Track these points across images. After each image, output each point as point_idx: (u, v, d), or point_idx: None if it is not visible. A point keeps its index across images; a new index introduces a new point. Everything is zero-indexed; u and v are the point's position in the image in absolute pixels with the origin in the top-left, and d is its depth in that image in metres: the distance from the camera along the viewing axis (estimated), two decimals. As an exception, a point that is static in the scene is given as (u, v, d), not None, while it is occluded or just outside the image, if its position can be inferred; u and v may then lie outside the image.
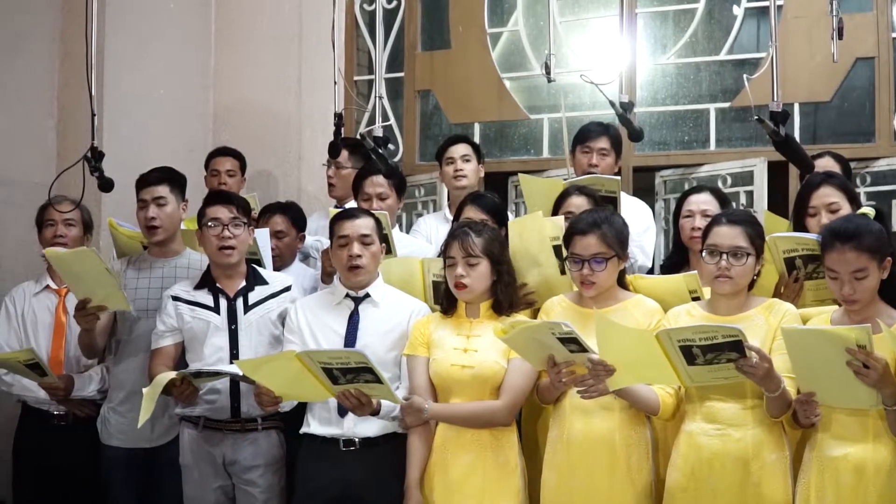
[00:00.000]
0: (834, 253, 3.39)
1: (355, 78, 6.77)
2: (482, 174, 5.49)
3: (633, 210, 4.87)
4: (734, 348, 3.27)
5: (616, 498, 3.68)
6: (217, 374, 4.01)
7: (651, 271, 4.85)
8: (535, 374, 3.81)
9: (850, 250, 3.36)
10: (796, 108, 5.91)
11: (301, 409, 4.12)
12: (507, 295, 3.90)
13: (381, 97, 4.90)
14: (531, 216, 4.28)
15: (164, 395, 4.09)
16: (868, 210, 4.13)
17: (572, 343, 3.50)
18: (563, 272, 4.07)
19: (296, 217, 5.13)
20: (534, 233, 4.09)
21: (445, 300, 3.99)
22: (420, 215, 6.04)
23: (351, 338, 4.00)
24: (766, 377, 3.33)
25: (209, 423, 4.22)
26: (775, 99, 3.95)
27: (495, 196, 4.69)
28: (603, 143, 5.04)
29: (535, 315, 4.01)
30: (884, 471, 3.34)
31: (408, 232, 5.62)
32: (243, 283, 4.31)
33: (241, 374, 3.86)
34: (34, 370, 4.46)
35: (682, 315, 3.72)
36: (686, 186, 5.58)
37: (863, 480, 3.34)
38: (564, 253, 3.90)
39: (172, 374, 3.96)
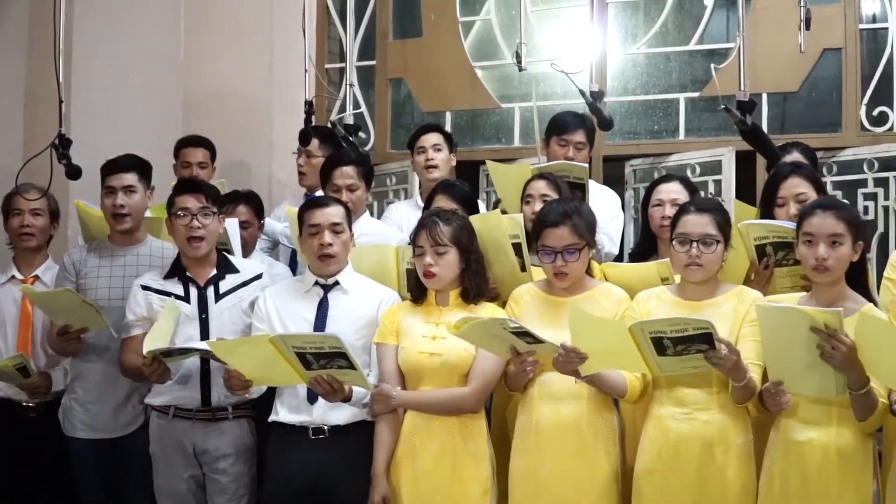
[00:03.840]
0: (814, 218, 3.47)
1: (327, 66, 6.76)
2: (454, 163, 5.49)
3: (600, 198, 4.89)
4: (704, 340, 3.33)
5: (583, 483, 3.72)
6: (187, 352, 3.98)
7: (619, 259, 4.87)
8: (504, 361, 3.82)
9: (830, 216, 3.44)
10: (764, 98, 5.96)
11: (271, 398, 4.11)
12: (475, 283, 3.92)
13: (351, 85, 4.90)
14: (492, 213, 4.29)
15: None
16: (837, 200, 4.18)
17: (526, 336, 3.55)
18: (523, 269, 4.10)
19: (257, 207, 5.11)
20: (494, 230, 4.11)
21: (415, 288, 4.00)
22: (391, 203, 6.03)
23: (320, 325, 3.99)
24: (734, 368, 3.40)
25: (179, 412, 4.19)
26: (742, 89, 3.98)
27: (466, 185, 4.71)
28: (580, 136, 5.05)
29: (503, 304, 4.03)
30: (848, 455, 3.41)
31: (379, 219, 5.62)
32: (214, 272, 4.28)
33: (210, 350, 3.83)
34: (21, 373, 4.44)
35: (651, 299, 3.77)
36: (655, 175, 5.61)
37: (827, 465, 3.41)
38: (524, 249, 3.95)
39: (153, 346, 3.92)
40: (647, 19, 6.31)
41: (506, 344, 3.62)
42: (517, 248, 4.09)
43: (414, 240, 3.95)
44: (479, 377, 3.83)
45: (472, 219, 4.08)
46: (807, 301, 3.53)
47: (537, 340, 3.54)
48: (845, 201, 4.04)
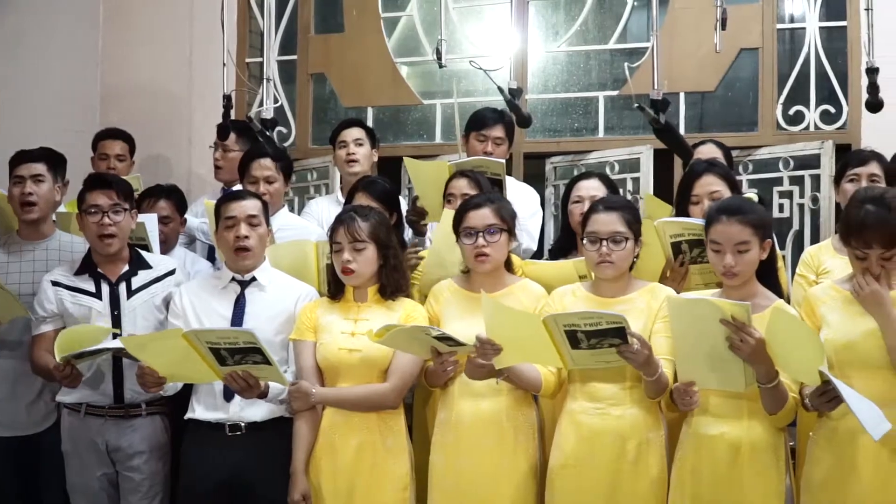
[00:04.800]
0: (719, 225, 3.49)
1: (247, 60, 6.70)
2: (375, 159, 5.48)
3: (520, 195, 4.91)
4: (617, 334, 3.37)
5: (502, 478, 3.75)
6: (100, 352, 3.93)
7: (538, 256, 4.90)
8: (423, 357, 3.82)
9: (735, 223, 3.47)
10: (682, 97, 6.03)
11: (186, 395, 4.07)
12: (393, 279, 3.92)
13: (269, 79, 4.87)
14: (447, 212, 4.27)
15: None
16: (751, 196, 4.23)
17: (448, 340, 3.57)
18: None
19: (179, 201, 5.06)
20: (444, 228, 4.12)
21: (333, 285, 3.99)
22: (312, 199, 6.00)
23: (237, 322, 3.96)
24: (646, 363, 3.44)
25: (91, 409, 4.15)
26: (656, 87, 4.03)
27: (387, 182, 4.70)
28: (498, 131, 5.06)
29: (423, 299, 4.05)
30: (759, 449, 3.46)
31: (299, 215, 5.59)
32: (126, 268, 4.23)
33: (123, 347, 3.79)
34: None
35: (566, 295, 3.80)
36: (575, 173, 5.63)
37: (738, 458, 3.46)
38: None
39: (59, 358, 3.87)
40: (567, 17, 6.35)
41: (427, 346, 3.64)
42: None
43: (332, 236, 3.94)
44: (398, 373, 3.83)
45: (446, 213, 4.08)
46: (719, 297, 3.57)
47: (458, 344, 3.57)
48: (751, 196, 4.09)
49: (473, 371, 3.62)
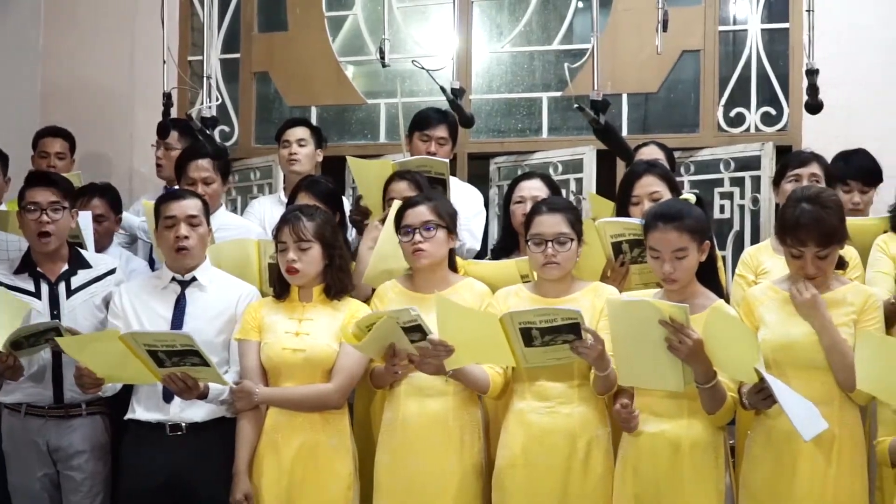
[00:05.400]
0: (657, 232, 3.51)
1: (190, 58, 6.64)
2: (320, 159, 5.47)
3: (463, 195, 4.93)
4: (571, 330, 3.41)
5: (448, 477, 3.76)
6: (38, 339, 3.87)
7: (482, 256, 4.91)
8: (368, 357, 3.83)
9: (671, 230, 3.49)
10: (625, 98, 6.06)
11: (127, 395, 4.04)
12: (339, 279, 3.91)
13: (209, 77, 4.83)
14: (394, 205, 4.26)
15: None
16: (690, 196, 4.26)
17: (415, 332, 3.56)
18: None
19: (114, 200, 5.02)
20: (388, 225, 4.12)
21: (278, 284, 3.97)
22: (255, 198, 5.98)
23: (178, 322, 3.94)
24: (599, 357, 3.48)
25: (31, 409, 4.12)
26: (595, 88, 4.05)
27: (330, 181, 4.69)
28: (441, 131, 5.07)
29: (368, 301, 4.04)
30: (698, 448, 3.49)
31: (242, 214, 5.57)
32: (66, 267, 4.19)
33: (59, 325, 3.76)
34: None
35: (510, 296, 3.82)
36: (519, 173, 5.65)
37: (678, 456, 3.48)
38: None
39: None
40: (511, 18, 6.36)
41: (386, 342, 3.64)
42: None
43: (277, 235, 3.92)
44: (342, 373, 3.83)
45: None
46: (661, 297, 3.59)
47: (425, 335, 3.54)
48: (690, 197, 4.12)
49: (424, 368, 3.64)
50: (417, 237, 3.84)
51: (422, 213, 3.87)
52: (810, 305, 3.42)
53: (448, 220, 3.90)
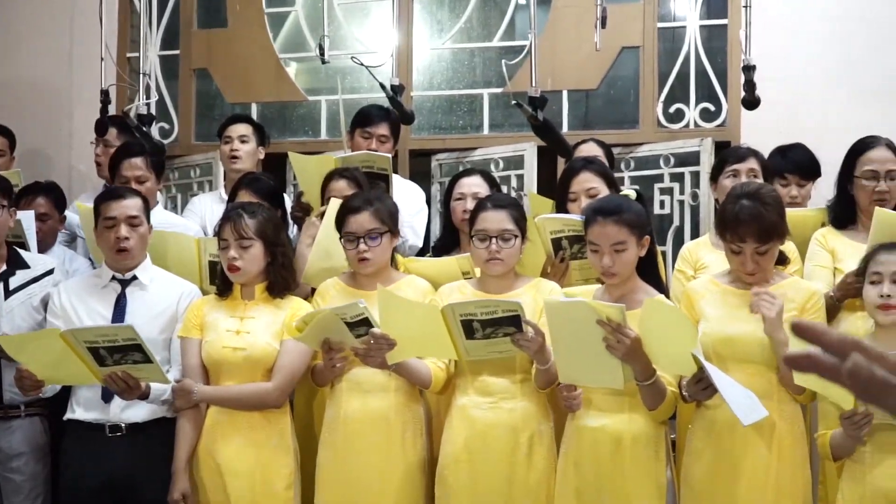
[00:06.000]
0: (596, 226, 3.53)
1: (128, 55, 6.57)
2: (262, 156, 5.45)
3: (405, 192, 4.93)
4: (512, 323, 3.42)
5: (390, 474, 3.76)
6: None
7: (424, 253, 4.92)
8: (309, 355, 3.83)
9: (611, 224, 3.50)
10: (565, 95, 6.08)
11: (66, 396, 4.00)
12: (281, 277, 3.90)
13: (145, 74, 4.80)
14: (333, 202, 4.24)
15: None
16: (630, 192, 4.29)
17: (362, 326, 3.55)
18: None
19: (58, 199, 4.97)
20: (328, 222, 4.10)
21: (220, 282, 3.96)
22: (195, 195, 5.94)
23: (119, 321, 3.90)
24: (540, 350, 3.48)
25: (-30, 411, 4.08)
26: (534, 84, 4.07)
27: (271, 178, 4.68)
28: (383, 128, 5.07)
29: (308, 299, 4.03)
30: (640, 442, 3.52)
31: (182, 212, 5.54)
32: (3, 268, 4.15)
33: None
34: None
35: (453, 293, 3.82)
36: (461, 170, 5.67)
37: (619, 451, 3.50)
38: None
39: None
40: (452, 15, 6.35)
41: (324, 335, 3.62)
42: None
43: (219, 233, 3.91)
44: (283, 371, 3.82)
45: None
46: (602, 293, 3.63)
47: (369, 328, 3.53)
48: (629, 193, 4.16)
49: (368, 361, 3.63)
50: (362, 246, 3.81)
51: (365, 221, 3.82)
52: (777, 325, 3.39)
53: (391, 222, 3.89)
